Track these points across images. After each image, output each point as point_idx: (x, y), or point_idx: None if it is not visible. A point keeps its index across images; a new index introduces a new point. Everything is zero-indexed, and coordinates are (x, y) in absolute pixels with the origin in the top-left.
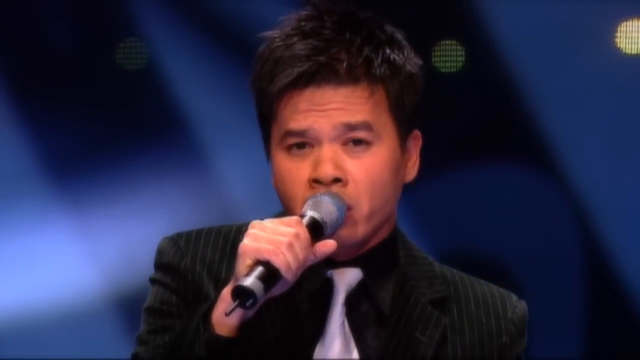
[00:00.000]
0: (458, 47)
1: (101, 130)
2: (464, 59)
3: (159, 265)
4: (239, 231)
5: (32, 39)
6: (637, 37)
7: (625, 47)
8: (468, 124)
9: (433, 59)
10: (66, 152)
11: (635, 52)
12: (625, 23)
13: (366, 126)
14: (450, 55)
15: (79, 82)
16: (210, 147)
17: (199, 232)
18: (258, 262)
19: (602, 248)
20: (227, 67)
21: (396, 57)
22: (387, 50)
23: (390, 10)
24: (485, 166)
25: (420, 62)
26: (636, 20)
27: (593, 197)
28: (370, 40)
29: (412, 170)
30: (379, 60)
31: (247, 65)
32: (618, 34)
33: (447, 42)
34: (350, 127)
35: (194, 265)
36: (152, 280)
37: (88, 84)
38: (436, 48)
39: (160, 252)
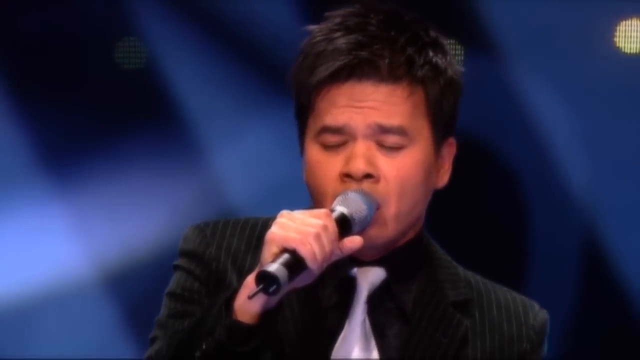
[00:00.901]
0: (457, 47)
1: (100, 129)
2: (462, 58)
3: (184, 252)
4: (266, 224)
5: (30, 38)
6: (636, 37)
7: (625, 47)
8: (466, 124)
9: None
10: (64, 151)
11: (635, 51)
12: (624, 22)
13: (400, 131)
14: None
15: (78, 81)
16: (208, 145)
17: (225, 222)
18: (284, 250)
19: (601, 248)
20: (226, 65)
21: (439, 61)
22: (430, 53)
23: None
24: (482, 164)
25: (462, 69)
26: (635, 20)
27: (592, 196)
28: (415, 41)
29: (443, 177)
30: (421, 61)
31: (245, 64)
32: (617, 33)
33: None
34: (384, 129)
35: (218, 254)
36: (176, 267)
37: (87, 83)
38: None
39: (185, 239)
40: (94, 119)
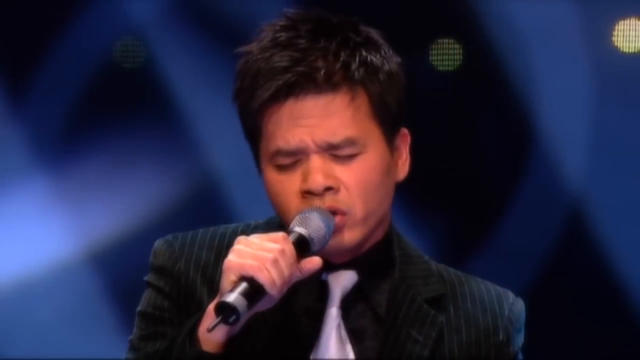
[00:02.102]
0: (456, 46)
1: (98, 128)
2: (461, 57)
3: (153, 267)
4: (235, 232)
5: (29, 38)
6: (635, 36)
7: (623, 46)
8: (465, 123)
9: (430, 58)
10: (62, 148)
11: (633, 50)
12: (622, 22)
13: (349, 142)
14: (447, 54)
15: (76, 79)
16: (207, 145)
17: (194, 234)
18: (242, 278)
19: (600, 247)
20: (224, 64)
21: (373, 58)
22: (364, 53)
23: (388, 9)
24: (481, 164)
25: (399, 59)
26: (634, 19)
27: (590, 194)
28: (346, 44)
29: (403, 169)
30: (357, 63)
31: None
32: (616, 33)
33: (444, 40)
34: (334, 145)
35: (187, 269)
36: (146, 283)
37: (86, 82)
38: (434, 46)
39: (155, 254)
40: (92, 117)
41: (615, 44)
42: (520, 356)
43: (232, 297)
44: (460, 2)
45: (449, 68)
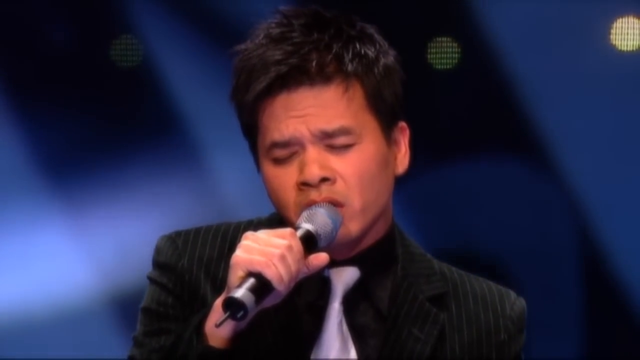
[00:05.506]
0: (453, 44)
1: (95, 127)
2: (459, 55)
3: (157, 263)
4: (238, 229)
5: (26, 36)
6: (632, 34)
7: (620, 44)
8: (463, 121)
9: (428, 56)
10: (60, 150)
11: (630, 48)
12: (620, 20)
13: (345, 131)
14: (445, 52)
15: (73, 79)
16: (205, 144)
17: (197, 231)
18: (250, 274)
19: (599, 246)
20: (222, 64)
21: (368, 51)
22: (358, 45)
23: (386, 7)
24: (480, 163)
25: (394, 52)
26: (631, 17)
27: (588, 193)
28: (339, 36)
29: (402, 162)
30: (350, 55)
31: None
32: (613, 31)
33: (442, 38)
34: (329, 134)
35: (191, 265)
36: (149, 279)
37: (83, 81)
38: (431, 45)
39: (158, 251)
40: (89, 117)
41: (613, 42)
42: (522, 356)
43: (240, 293)
44: (458, 1)
45: (446, 66)
